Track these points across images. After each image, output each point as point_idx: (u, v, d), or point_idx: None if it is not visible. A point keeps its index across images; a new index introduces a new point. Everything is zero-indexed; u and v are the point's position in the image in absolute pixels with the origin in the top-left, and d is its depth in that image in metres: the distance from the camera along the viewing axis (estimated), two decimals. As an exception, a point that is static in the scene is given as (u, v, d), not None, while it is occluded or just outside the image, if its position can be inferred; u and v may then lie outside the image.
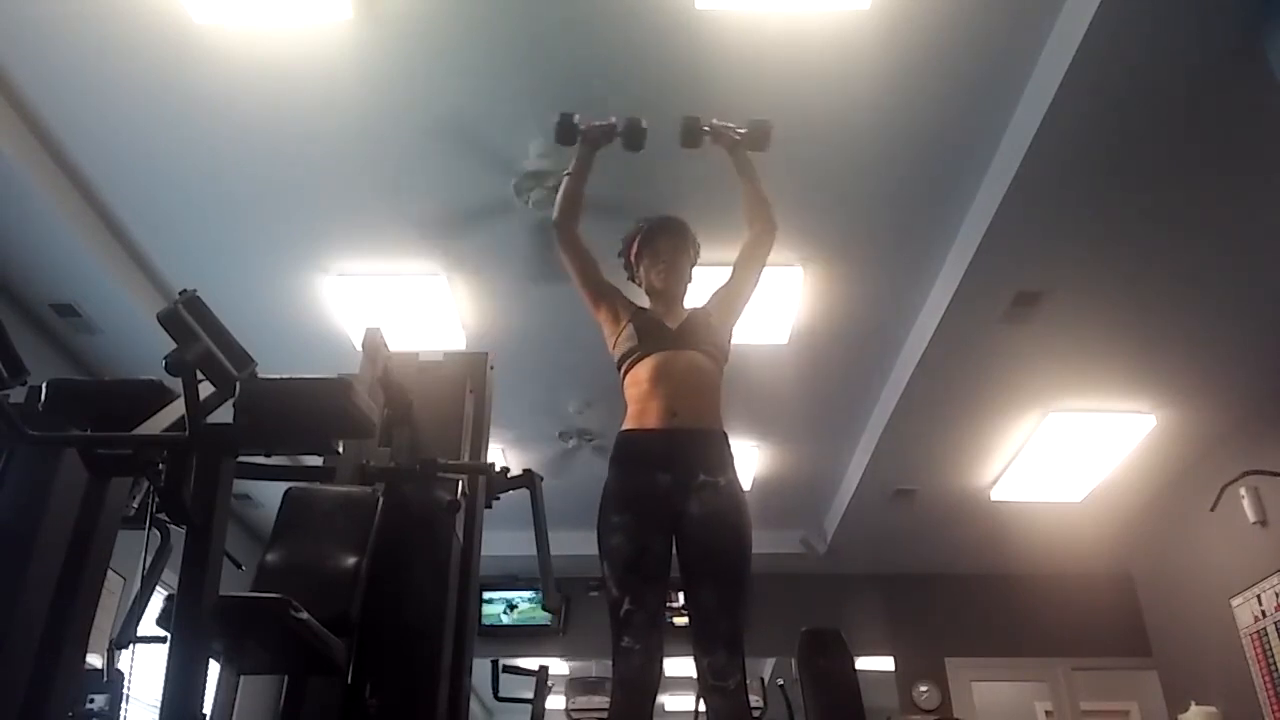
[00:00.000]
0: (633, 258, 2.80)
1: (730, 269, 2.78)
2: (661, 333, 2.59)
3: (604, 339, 2.74)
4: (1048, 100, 3.17)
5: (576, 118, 2.75)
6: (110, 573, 1.64)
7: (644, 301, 2.77)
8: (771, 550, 6.46)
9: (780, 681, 5.70)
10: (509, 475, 2.49)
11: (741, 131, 2.78)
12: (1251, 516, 5.05)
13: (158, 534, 2.63)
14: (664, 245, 2.73)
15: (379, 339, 2.46)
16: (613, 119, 2.78)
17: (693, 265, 2.80)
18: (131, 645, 2.63)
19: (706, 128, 2.78)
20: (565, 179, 2.77)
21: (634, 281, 2.84)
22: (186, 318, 1.45)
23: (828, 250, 4.16)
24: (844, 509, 6.40)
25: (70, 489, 1.55)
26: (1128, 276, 4.10)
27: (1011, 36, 3.14)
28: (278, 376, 1.55)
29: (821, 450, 5.95)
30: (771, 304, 4.27)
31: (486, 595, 7.25)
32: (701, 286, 2.80)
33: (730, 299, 2.74)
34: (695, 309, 2.71)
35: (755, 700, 5.48)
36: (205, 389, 1.49)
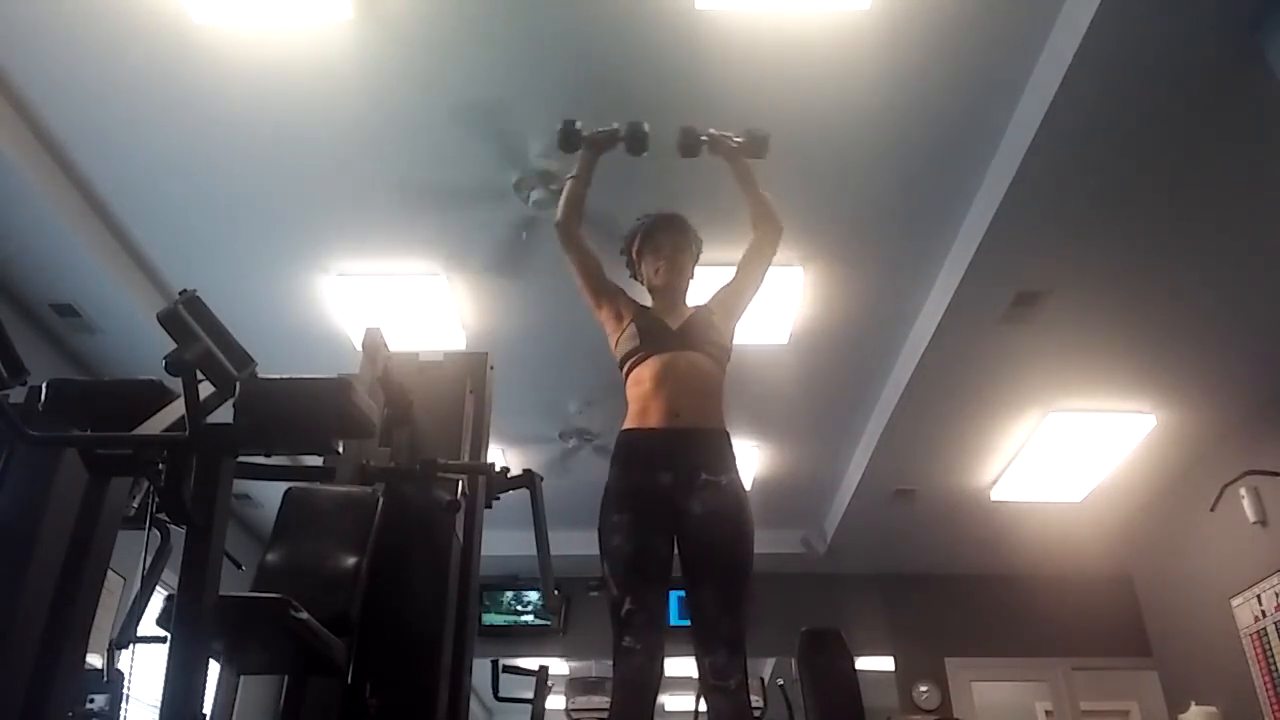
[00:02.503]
0: (634, 255, 2.79)
1: (734, 268, 2.77)
2: (664, 333, 2.58)
3: (606, 338, 2.74)
4: (1048, 100, 3.17)
5: (579, 124, 2.75)
6: (110, 573, 1.63)
7: (646, 299, 2.77)
8: (771, 550, 6.44)
9: (780, 681, 5.71)
10: (509, 475, 2.49)
11: (739, 140, 2.76)
12: (1251, 516, 5.05)
13: (158, 534, 2.63)
14: (665, 241, 2.73)
15: (379, 339, 2.46)
16: (615, 125, 2.77)
17: (695, 262, 2.80)
18: (131, 645, 2.63)
19: (704, 137, 2.76)
20: (568, 181, 2.75)
21: (636, 279, 2.83)
22: (186, 318, 1.44)
23: (828, 250, 4.16)
24: (844, 509, 6.40)
25: (70, 489, 1.55)
26: (1128, 276, 4.10)
27: (1011, 36, 3.14)
28: (278, 376, 1.55)
29: (821, 450, 5.95)
30: (771, 304, 4.27)
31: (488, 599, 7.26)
32: (706, 286, 2.80)
33: (733, 298, 2.73)
34: (698, 307, 2.70)
35: (755, 700, 5.48)
36: (205, 389, 1.49)
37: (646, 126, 2.75)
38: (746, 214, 2.77)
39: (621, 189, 3.01)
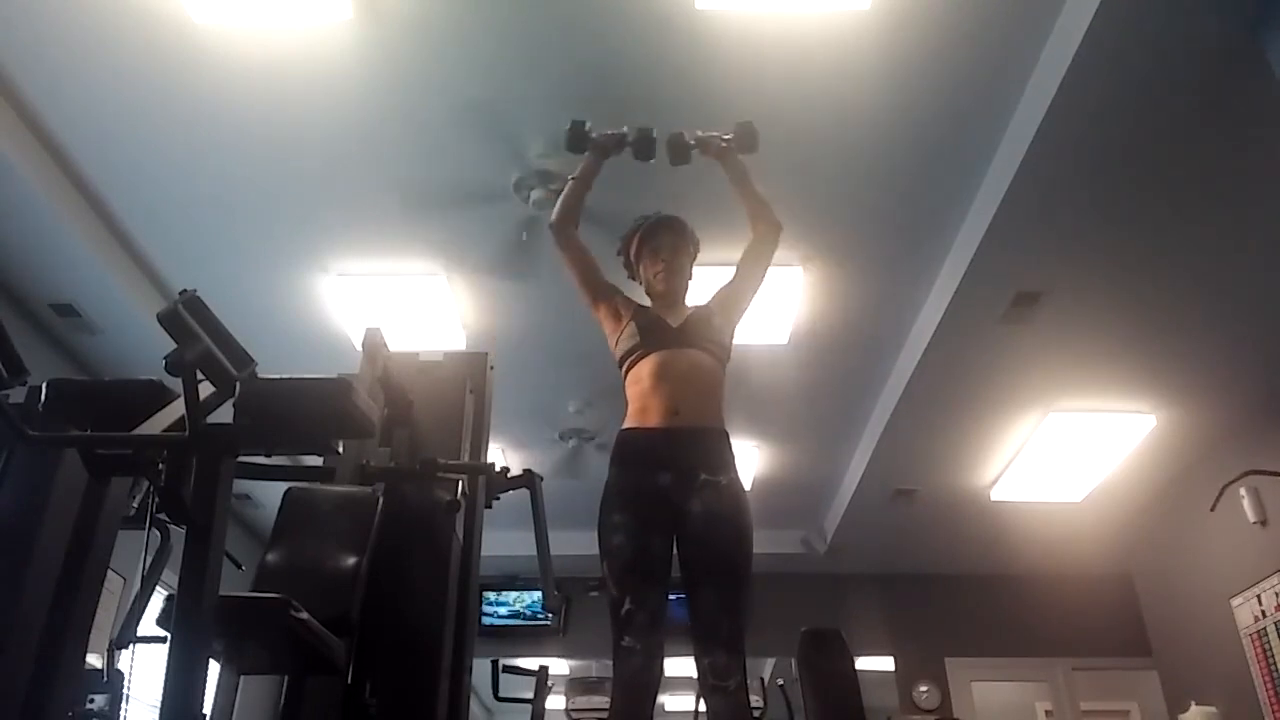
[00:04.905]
0: (632, 256, 2.79)
1: (734, 267, 2.76)
2: (663, 331, 2.58)
3: (606, 338, 2.73)
4: (1048, 100, 3.16)
5: (588, 125, 2.73)
6: (110, 573, 1.64)
7: (645, 300, 2.77)
8: (771, 550, 6.46)
9: (780, 681, 5.71)
10: (509, 475, 2.49)
11: (728, 137, 2.73)
12: (1251, 516, 5.05)
13: (158, 534, 2.63)
14: (663, 244, 2.72)
15: (379, 339, 2.46)
16: (624, 129, 2.75)
17: (693, 263, 2.79)
18: (131, 645, 2.63)
19: (692, 141, 2.73)
20: (569, 182, 2.73)
21: (634, 280, 2.83)
22: (186, 318, 1.44)
23: (828, 250, 4.15)
24: (844, 509, 6.40)
25: (70, 489, 1.55)
26: (1128, 276, 4.10)
27: (1011, 37, 3.14)
28: (278, 376, 1.55)
29: (821, 450, 5.95)
30: (771, 304, 4.27)
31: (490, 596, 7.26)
32: (704, 286, 2.80)
33: (734, 298, 2.72)
34: (698, 307, 2.69)
35: (755, 700, 5.48)
36: (205, 389, 1.49)
37: (655, 132, 2.72)
38: (744, 214, 2.76)
39: (620, 189, 3.01)
